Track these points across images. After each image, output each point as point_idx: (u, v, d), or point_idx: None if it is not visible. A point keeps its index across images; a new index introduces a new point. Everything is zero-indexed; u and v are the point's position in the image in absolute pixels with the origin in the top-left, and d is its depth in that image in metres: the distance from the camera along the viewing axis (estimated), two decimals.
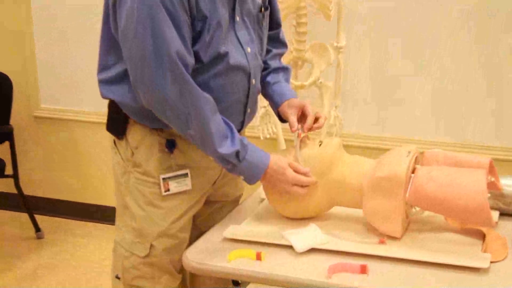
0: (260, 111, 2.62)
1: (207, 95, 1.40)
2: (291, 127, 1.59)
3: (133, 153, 1.52)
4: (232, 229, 1.54)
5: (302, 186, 1.51)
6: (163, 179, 1.51)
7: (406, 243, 1.45)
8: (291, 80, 2.46)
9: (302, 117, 1.62)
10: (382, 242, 1.44)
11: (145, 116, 1.47)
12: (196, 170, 1.55)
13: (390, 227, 1.45)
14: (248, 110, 1.58)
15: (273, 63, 1.72)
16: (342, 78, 2.65)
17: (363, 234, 1.50)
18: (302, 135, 1.58)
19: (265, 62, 1.69)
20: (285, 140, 2.71)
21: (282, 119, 1.68)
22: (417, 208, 1.54)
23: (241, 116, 1.56)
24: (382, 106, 2.80)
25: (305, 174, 1.51)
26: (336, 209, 1.62)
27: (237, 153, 1.43)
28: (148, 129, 1.50)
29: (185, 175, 1.53)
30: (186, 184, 1.53)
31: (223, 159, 1.44)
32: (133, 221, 1.55)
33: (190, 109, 1.37)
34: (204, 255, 1.44)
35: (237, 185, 1.78)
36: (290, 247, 1.43)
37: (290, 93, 1.67)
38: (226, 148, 1.42)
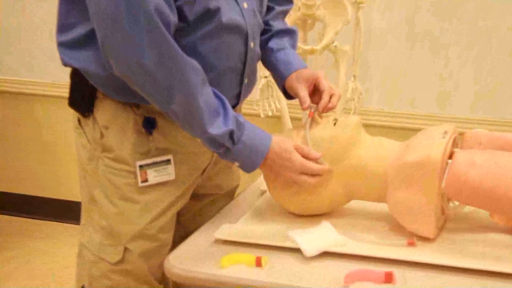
0: (260, 83, 2.62)
1: (194, 62, 1.39)
2: (301, 103, 1.58)
3: (102, 135, 1.52)
4: (226, 229, 1.54)
5: (312, 175, 1.50)
6: (140, 166, 1.51)
7: (441, 245, 1.45)
8: (299, 44, 2.44)
9: (314, 93, 1.61)
10: (411, 244, 1.44)
11: (117, 88, 1.45)
12: (181, 155, 1.55)
13: (422, 225, 1.45)
14: (246, 80, 1.57)
15: (276, 24, 1.71)
16: (362, 41, 2.64)
17: (388, 234, 1.50)
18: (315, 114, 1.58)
19: (265, 23, 1.68)
20: (292, 118, 2.71)
21: (289, 95, 1.66)
22: (456, 202, 1.55)
23: (236, 87, 1.56)
24: (411, 77, 2.80)
25: (315, 160, 1.51)
26: (355, 204, 1.63)
27: (231, 134, 1.43)
28: (121, 104, 1.49)
29: (167, 162, 1.53)
30: (168, 173, 1.53)
31: (213, 142, 1.44)
32: (103, 219, 1.56)
33: (173, 80, 1.36)
34: (191, 260, 1.44)
35: (231, 175, 1.77)
36: (297, 250, 1.43)
37: (298, 62, 1.66)
38: (217, 128, 1.41)
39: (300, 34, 2.61)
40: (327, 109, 1.59)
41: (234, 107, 1.57)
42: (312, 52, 2.54)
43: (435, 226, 1.45)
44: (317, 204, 1.58)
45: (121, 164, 1.52)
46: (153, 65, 1.34)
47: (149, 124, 1.50)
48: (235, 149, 1.46)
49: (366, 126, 1.69)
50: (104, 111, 1.51)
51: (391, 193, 1.48)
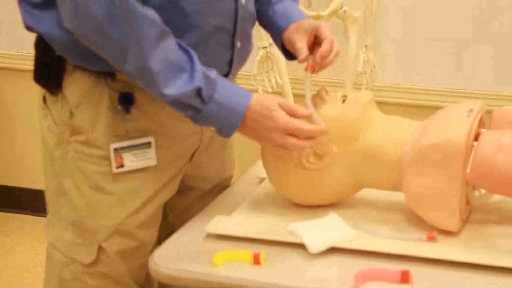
0: (258, 54, 2.62)
1: (150, 13, 1.37)
2: (298, 55, 1.57)
3: (72, 114, 1.51)
4: (219, 221, 1.54)
5: (302, 138, 1.48)
6: (115, 150, 1.50)
7: (465, 240, 1.46)
8: (302, 9, 2.42)
9: (314, 46, 1.60)
10: (431, 239, 1.45)
11: (83, 53, 1.45)
12: (164, 137, 1.55)
13: (443, 217, 1.46)
14: (238, 44, 1.57)
15: None
16: (375, 6, 2.64)
17: (405, 228, 1.51)
18: (313, 75, 1.57)
19: None
20: (294, 95, 2.72)
21: (289, 54, 1.66)
22: (482, 191, 1.55)
23: (227, 51, 1.55)
24: (432, 47, 2.79)
25: (305, 118, 1.48)
26: (366, 193, 1.63)
27: (198, 92, 1.40)
28: (94, 77, 1.49)
29: (147, 144, 1.52)
30: (148, 158, 1.53)
31: (178, 104, 1.42)
32: (73, 214, 1.55)
33: (126, 34, 1.36)
34: (180, 258, 1.44)
35: (225, 163, 1.78)
36: (301, 246, 1.44)
37: (298, 13, 1.66)
38: (180, 86, 1.39)
39: None
40: (323, 63, 1.57)
41: (225, 76, 1.55)
42: (317, 18, 2.53)
43: (458, 218, 1.45)
44: (324, 193, 1.59)
45: (93, 148, 1.51)
46: (102, 18, 1.34)
47: (126, 101, 1.49)
48: (206, 110, 1.43)
49: (380, 103, 1.68)
50: (74, 86, 1.50)
51: (408, 180, 1.48)
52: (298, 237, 1.45)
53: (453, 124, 1.46)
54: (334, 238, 1.44)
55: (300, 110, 1.48)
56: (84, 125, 1.51)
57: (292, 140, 1.47)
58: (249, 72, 2.57)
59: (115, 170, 1.51)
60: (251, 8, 1.60)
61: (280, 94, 2.73)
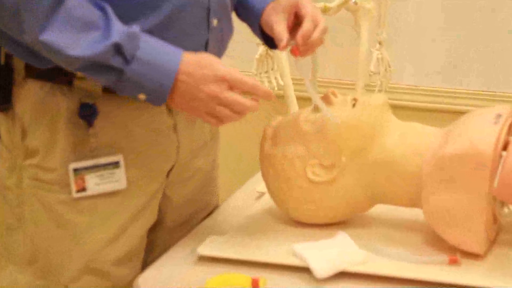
0: (258, 51, 2.61)
1: None
2: (277, 41, 1.52)
3: (25, 134, 1.48)
4: (212, 242, 1.55)
5: (235, 111, 1.43)
6: (75, 170, 1.47)
7: (492, 263, 1.45)
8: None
9: (296, 26, 1.55)
10: (453, 262, 1.45)
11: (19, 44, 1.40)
12: (135, 153, 1.51)
13: (467, 237, 1.45)
14: (214, 22, 1.53)
15: None
16: None
17: (424, 249, 1.51)
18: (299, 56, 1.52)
19: None
20: (298, 98, 2.72)
21: (271, 42, 1.61)
22: None
23: (202, 31, 1.51)
24: (455, 43, 2.79)
25: (251, 89, 1.43)
26: (380, 208, 1.63)
27: (117, 48, 1.36)
28: (48, 87, 1.46)
29: (115, 164, 1.49)
30: (116, 180, 1.49)
31: (97, 66, 1.36)
32: (31, 251, 1.52)
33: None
34: (168, 283, 1.44)
35: (210, 185, 1.75)
36: (306, 270, 1.43)
37: None
38: (92, 44, 1.34)
39: None
40: (309, 43, 1.51)
41: None
42: (325, 10, 2.54)
43: (484, 239, 1.45)
44: (332, 210, 1.59)
45: (51, 173, 1.48)
46: None
47: (89, 112, 1.46)
48: (130, 71, 1.37)
49: (395, 107, 1.69)
50: (26, 100, 1.47)
51: (428, 195, 1.47)
52: (302, 260, 1.45)
53: (479, 131, 1.45)
54: (343, 261, 1.43)
55: (246, 78, 1.43)
56: (39, 145, 1.48)
57: (220, 110, 1.41)
58: (247, 71, 2.56)
59: (75, 195, 1.48)
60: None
61: (282, 97, 2.73)
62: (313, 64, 1.57)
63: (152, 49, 1.39)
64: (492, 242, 1.52)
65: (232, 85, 1.41)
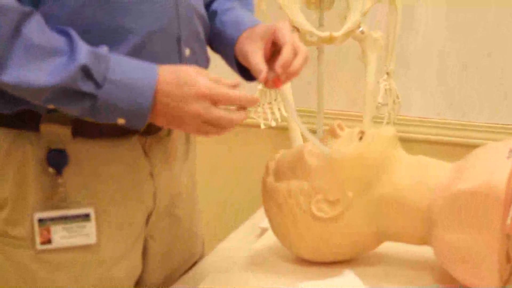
0: (259, 84, 2.60)
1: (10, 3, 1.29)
2: (255, 74, 1.48)
3: None
4: (214, 280, 1.55)
5: (222, 127, 1.39)
6: (40, 221, 1.43)
7: None
8: (312, 30, 2.46)
9: (275, 54, 1.51)
10: None
11: None
12: (107, 200, 1.47)
13: (479, 277, 1.44)
14: (186, 52, 1.50)
15: None
16: (398, 26, 2.64)
17: None
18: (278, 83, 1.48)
19: None
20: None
21: (248, 74, 1.57)
22: None
23: (175, 62, 1.46)
24: (467, 74, 2.78)
25: (236, 101, 1.39)
26: (389, 246, 1.62)
27: (85, 71, 1.31)
28: (13, 134, 1.42)
29: (85, 217, 1.45)
30: (86, 234, 1.45)
31: (68, 93, 1.32)
32: None
33: None
34: None
35: (194, 232, 1.72)
36: None
37: (251, 20, 1.58)
38: (58, 69, 1.30)
39: (314, 16, 2.59)
40: (289, 72, 1.47)
41: None
42: (330, 40, 2.53)
43: (497, 279, 1.43)
44: (338, 247, 1.58)
45: (19, 227, 1.44)
46: None
47: (57, 159, 1.43)
48: (103, 94, 1.32)
49: (404, 140, 1.69)
50: None
51: (438, 233, 1.47)
52: None
53: (492, 166, 1.44)
54: None
55: (224, 79, 1.40)
56: (7, 197, 1.44)
57: (218, 113, 1.37)
58: None
59: (39, 247, 1.43)
60: (196, 3, 1.53)
61: (286, 129, 2.72)
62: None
63: (123, 67, 1.34)
64: (505, 282, 1.50)
65: (215, 101, 1.36)
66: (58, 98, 1.31)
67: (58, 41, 1.31)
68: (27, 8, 1.30)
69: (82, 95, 1.31)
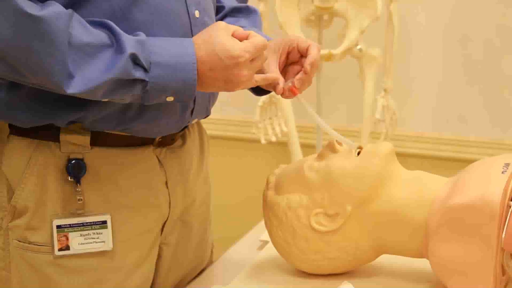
0: (260, 98, 2.61)
1: (57, 9, 1.30)
2: (274, 86, 1.51)
3: (12, 193, 1.46)
4: None
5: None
6: (59, 227, 1.45)
7: None
8: None
9: (290, 65, 1.55)
10: None
11: (22, 104, 1.40)
12: (124, 208, 1.49)
13: None
14: (196, 13, 1.50)
15: (227, 1, 1.70)
16: (396, 44, 2.65)
17: None
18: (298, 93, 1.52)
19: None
20: (302, 145, 2.72)
21: (258, 89, 1.60)
22: None
23: (185, 21, 1.48)
24: (462, 90, 2.79)
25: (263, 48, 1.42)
26: (386, 259, 1.62)
27: (134, 59, 1.35)
28: (35, 144, 1.45)
29: (102, 224, 1.47)
30: (102, 241, 1.47)
31: (122, 83, 1.35)
32: None
33: (33, 44, 1.28)
34: None
35: (205, 240, 1.73)
36: None
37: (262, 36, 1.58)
38: (111, 62, 1.32)
39: (313, 34, 2.62)
40: (303, 81, 1.51)
41: (192, 111, 1.53)
42: (329, 57, 2.54)
43: None
44: (336, 260, 1.58)
45: (39, 233, 1.46)
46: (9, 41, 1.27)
47: (76, 168, 1.45)
48: (152, 78, 1.36)
49: (401, 155, 1.69)
50: (12, 158, 1.46)
51: (435, 246, 1.47)
52: None
53: (487, 181, 1.44)
54: None
55: (240, 30, 1.43)
56: (28, 205, 1.46)
57: (257, 64, 1.41)
58: (249, 119, 2.56)
59: (57, 253, 1.45)
60: (209, 22, 1.54)
61: (286, 144, 2.73)
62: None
63: (162, 46, 1.37)
64: None
65: (253, 58, 1.40)
66: (113, 89, 1.34)
67: (101, 34, 1.33)
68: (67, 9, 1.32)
69: (133, 82, 1.34)
